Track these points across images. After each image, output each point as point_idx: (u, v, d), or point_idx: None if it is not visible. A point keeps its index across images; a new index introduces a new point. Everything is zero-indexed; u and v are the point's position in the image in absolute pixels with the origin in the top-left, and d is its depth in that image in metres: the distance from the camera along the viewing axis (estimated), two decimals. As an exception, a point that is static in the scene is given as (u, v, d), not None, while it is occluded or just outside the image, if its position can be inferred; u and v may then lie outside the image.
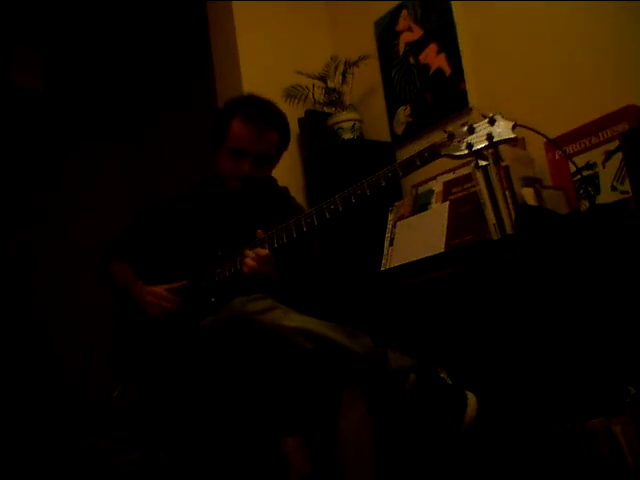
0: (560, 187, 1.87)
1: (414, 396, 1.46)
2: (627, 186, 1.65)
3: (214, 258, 1.70)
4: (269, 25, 2.77)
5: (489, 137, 1.34)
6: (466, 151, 1.37)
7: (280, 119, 1.78)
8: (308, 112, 2.65)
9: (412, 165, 1.44)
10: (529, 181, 1.84)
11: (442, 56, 2.44)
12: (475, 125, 1.36)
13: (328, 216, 1.53)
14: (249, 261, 1.55)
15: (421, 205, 2.14)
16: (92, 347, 1.75)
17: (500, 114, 1.35)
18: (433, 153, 1.42)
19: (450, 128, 1.40)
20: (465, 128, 1.38)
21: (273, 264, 1.60)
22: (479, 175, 1.80)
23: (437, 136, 1.44)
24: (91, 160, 3.85)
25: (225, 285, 1.65)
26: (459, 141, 1.38)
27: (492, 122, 1.34)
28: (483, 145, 1.35)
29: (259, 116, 1.72)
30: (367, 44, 2.74)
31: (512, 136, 1.33)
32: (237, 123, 1.72)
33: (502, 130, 1.33)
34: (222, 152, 1.75)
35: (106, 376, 1.79)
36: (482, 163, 1.42)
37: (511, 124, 1.33)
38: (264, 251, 1.56)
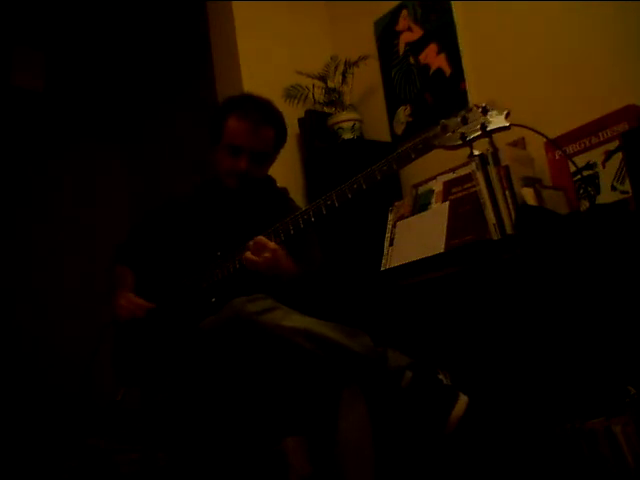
0: (560, 187, 1.87)
1: (408, 394, 1.46)
2: (627, 186, 1.65)
3: (214, 258, 1.70)
4: (269, 25, 2.76)
5: (483, 126, 1.34)
6: (460, 141, 1.37)
7: (276, 116, 1.78)
8: (308, 112, 2.65)
9: (407, 158, 1.44)
10: (529, 181, 1.84)
11: (442, 56, 2.44)
12: (468, 115, 1.36)
13: (325, 212, 1.53)
14: (248, 255, 1.56)
15: (421, 205, 2.13)
16: (95, 348, 1.75)
17: (493, 103, 1.35)
18: (427, 145, 1.42)
19: (444, 120, 1.40)
20: (458, 119, 1.38)
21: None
22: (479, 175, 1.80)
23: (437, 136, 1.44)
24: (91, 160, 3.85)
25: (225, 285, 1.65)
26: (453, 132, 1.38)
27: (485, 112, 1.34)
28: (477, 135, 1.35)
29: (254, 113, 1.72)
30: (367, 44, 2.74)
31: (506, 124, 1.33)
32: (233, 120, 1.73)
33: (496, 119, 1.33)
34: (219, 150, 1.76)
35: (108, 376, 1.79)
36: (476, 152, 1.42)
37: (504, 112, 1.33)
38: (261, 239, 1.56)
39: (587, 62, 1.98)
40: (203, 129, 2.09)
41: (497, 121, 1.33)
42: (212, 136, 1.79)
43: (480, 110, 1.35)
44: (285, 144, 1.85)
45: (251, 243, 1.56)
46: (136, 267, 1.87)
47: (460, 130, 1.37)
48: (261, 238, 1.56)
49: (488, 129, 1.34)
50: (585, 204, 1.76)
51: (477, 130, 1.35)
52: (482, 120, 1.34)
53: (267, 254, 1.55)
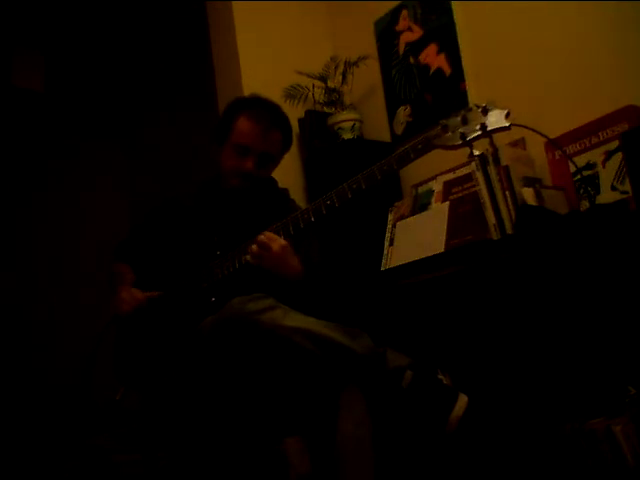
0: (560, 187, 1.87)
1: (408, 394, 1.46)
2: (627, 186, 1.65)
3: (214, 257, 1.70)
4: (269, 25, 2.76)
5: (482, 127, 1.34)
6: (460, 141, 1.37)
7: (284, 121, 1.80)
8: (308, 112, 2.65)
9: (407, 157, 1.44)
10: (529, 181, 1.84)
11: (442, 56, 2.44)
12: (468, 115, 1.36)
13: (324, 212, 1.53)
14: (255, 248, 1.56)
15: (421, 205, 2.14)
16: (95, 348, 1.75)
17: (493, 103, 1.35)
18: (427, 144, 1.42)
19: (444, 120, 1.40)
20: (459, 118, 1.38)
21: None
22: (479, 175, 1.80)
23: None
24: (91, 160, 3.85)
25: (225, 285, 1.65)
26: (453, 132, 1.39)
27: (485, 112, 1.34)
28: (477, 135, 1.35)
29: (265, 115, 1.73)
30: (367, 44, 2.74)
31: (506, 124, 1.33)
32: (243, 121, 1.73)
33: (496, 119, 1.34)
34: (226, 149, 1.76)
35: (108, 376, 1.79)
36: (476, 153, 1.42)
37: (505, 112, 1.33)
38: (272, 235, 1.56)
39: (587, 62, 1.98)
40: (203, 128, 2.09)
41: (497, 121, 1.33)
42: (219, 135, 1.78)
43: (480, 110, 1.35)
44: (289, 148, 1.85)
45: (261, 237, 1.56)
46: (137, 266, 1.87)
47: (460, 130, 1.37)
48: (271, 234, 1.56)
49: (488, 129, 1.34)
50: (585, 204, 1.76)
51: (477, 130, 1.35)
52: (482, 120, 1.34)
53: (276, 248, 1.55)
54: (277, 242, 1.56)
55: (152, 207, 1.97)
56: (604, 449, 1.33)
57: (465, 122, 1.36)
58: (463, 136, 1.36)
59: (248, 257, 1.58)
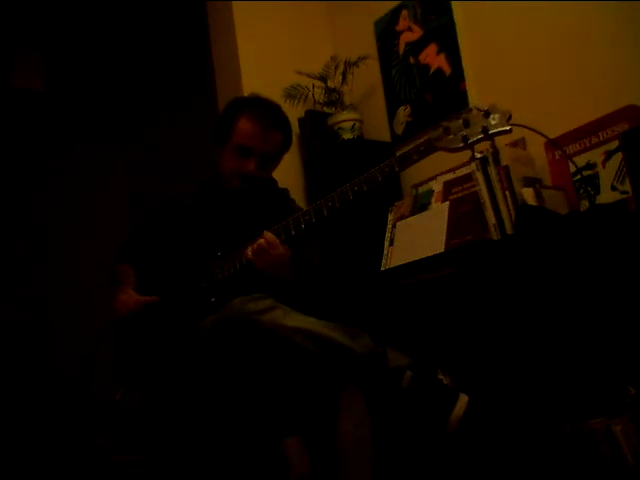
0: (560, 187, 1.87)
1: (408, 394, 1.46)
2: (627, 186, 1.65)
3: (214, 258, 1.70)
4: (269, 25, 2.77)
5: (484, 129, 1.34)
6: (462, 144, 1.37)
7: (285, 121, 1.80)
8: (308, 112, 2.65)
9: (408, 159, 1.44)
10: (529, 181, 1.84)
11: (442, 56, 2.44)
12: (470, 118, 1.36)
13: (326, 213, 1.53)
14: (247, 252, 1.56)
15: (421, 205, 2.14)
16: (95, 348, 1.75)
17: (495, 106, 1.35)
18: (429, 147, 1.42)
19: (446, 122, 1.41)
20: (460, 121, 1.38)
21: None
22: (479, 175, 1.80)
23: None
24: (91, 160, 3.85)
25: (225, 285, 1.65)
26: (455, 134, 1.39)
27: (487, 115, 1.35)
28: (478, 138, 1.35)
29: (266, 116, 1.73)
30: (367, 44, 2.74)
31: (507, 128, 1.33)
32: (244, 121, 1.73)
33: (497, 122, 1.34)
34: (226, 150, 1.76)
35: (108, 376, 1.79)
36: (478, 155, 1.43)
37: (506, 115, 1.33)
38: (267, 238, 1.56)
39: (587, 62, 1.98)
40: (203, 128, 2.09)
41: (499, 124, 1.34)
42: (219, 135, 1.78)
43: (482, 113, 1.35)
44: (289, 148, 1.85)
45: (262, 240, 1.56)
46: (138, 266, 1.87)
47: (462, 133, 1.37)
48: (274, 238, 1.56)
49: (490, 132, 1.34)
50: (585, 204, 1.76)
51: (479, 133, 1.35)
52: (484, 123, 1.34)
53: (275, 254, 1.55)
54: (277, 248, 1.56)
55: (152, 207, 1.97)
56: (604, 449, 1.33)
57: (467, 125, 1.36)
58: (465, 139, 1.36)
59: (249, 252, 1.59)
